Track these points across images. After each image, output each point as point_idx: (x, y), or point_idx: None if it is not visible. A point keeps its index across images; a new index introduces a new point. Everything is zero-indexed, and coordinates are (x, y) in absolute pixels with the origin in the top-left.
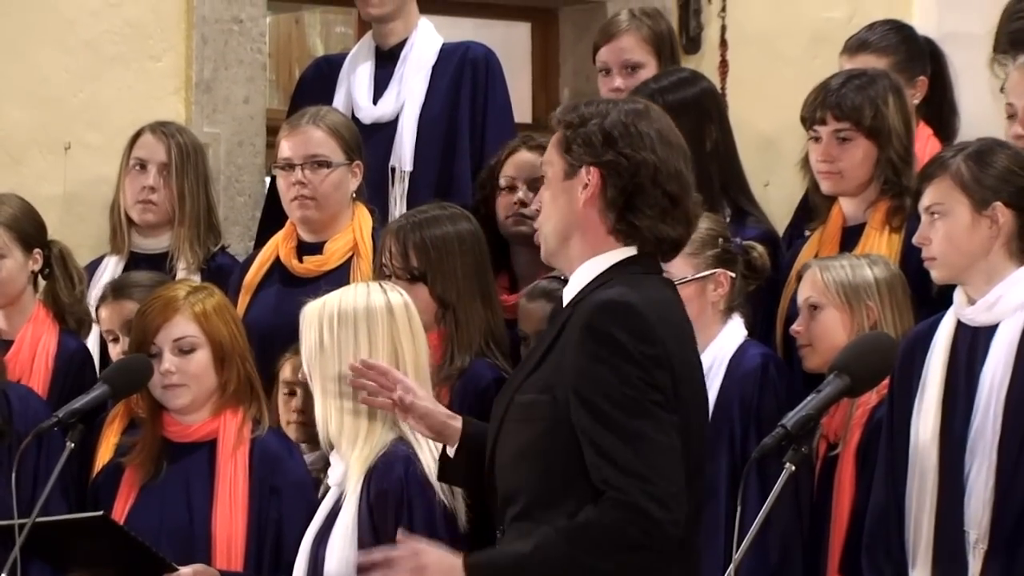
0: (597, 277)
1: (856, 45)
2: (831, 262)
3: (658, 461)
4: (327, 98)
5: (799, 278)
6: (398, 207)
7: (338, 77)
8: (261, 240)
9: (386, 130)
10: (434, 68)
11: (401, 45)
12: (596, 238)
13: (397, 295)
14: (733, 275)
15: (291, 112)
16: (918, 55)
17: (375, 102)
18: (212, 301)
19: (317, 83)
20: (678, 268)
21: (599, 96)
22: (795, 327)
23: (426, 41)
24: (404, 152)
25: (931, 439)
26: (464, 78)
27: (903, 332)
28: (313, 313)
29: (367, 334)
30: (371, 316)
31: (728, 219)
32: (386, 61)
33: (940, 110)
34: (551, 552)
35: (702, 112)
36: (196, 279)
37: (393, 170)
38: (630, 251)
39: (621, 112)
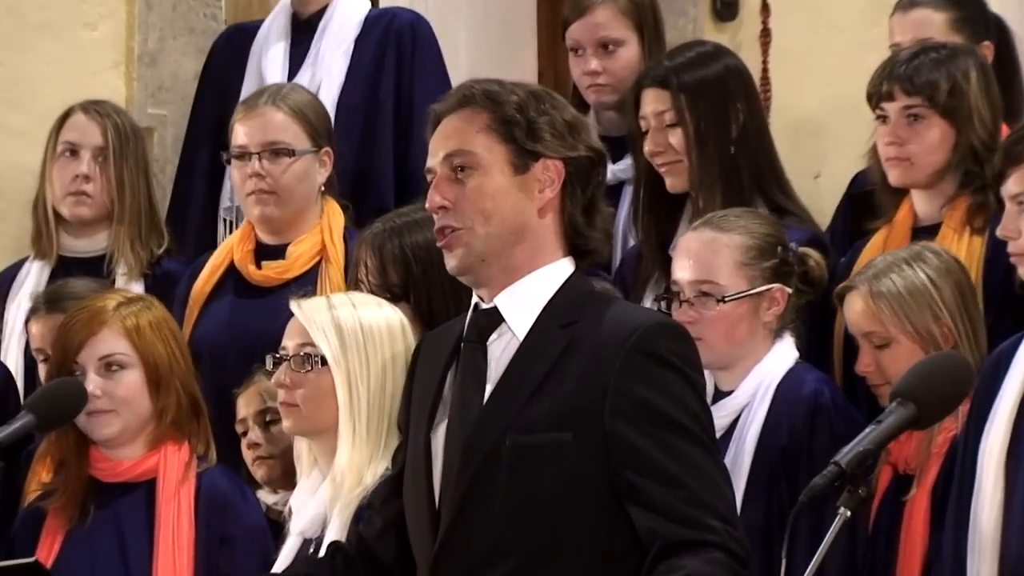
0: None
1: (909, 1)
2: (879, 278)
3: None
4: (239, 74)
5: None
6: None
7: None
8: None
9: None
10: (357, 41)
11: (321, 14)
12: None
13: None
14: (790, 291)
15: (198, 96)
16: (980, 17)
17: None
18: (148, 315)
19: (227, 56)
20: (729, 280)
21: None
22: (862, 367)
23: (349, 9)
24: None
25: (998, 462)
26: (388, 53)
27: (974, 335)
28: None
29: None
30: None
31: None
32: (304, 33)
33: (1007, 94)
34: None
35: (725, 92)
36: (138, 287)
37: None
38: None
39: None
